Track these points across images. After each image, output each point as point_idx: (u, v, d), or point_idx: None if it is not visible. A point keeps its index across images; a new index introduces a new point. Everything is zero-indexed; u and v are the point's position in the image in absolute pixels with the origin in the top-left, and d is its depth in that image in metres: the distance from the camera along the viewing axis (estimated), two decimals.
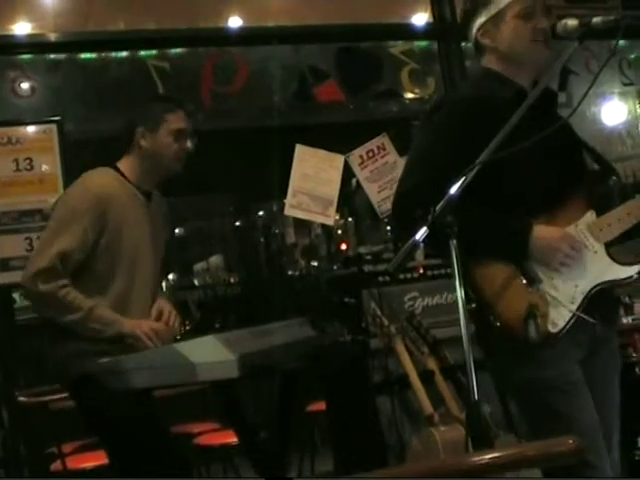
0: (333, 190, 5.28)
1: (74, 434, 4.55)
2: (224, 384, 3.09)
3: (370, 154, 5.42)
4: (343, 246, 7.10)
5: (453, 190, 2.50)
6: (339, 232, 7.20)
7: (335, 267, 6.25)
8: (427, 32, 7.05)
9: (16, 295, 5.41)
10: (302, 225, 8.47)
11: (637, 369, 4.63)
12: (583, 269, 2.84)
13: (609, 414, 2.98)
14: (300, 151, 5.31)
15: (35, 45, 6.22)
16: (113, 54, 6.54)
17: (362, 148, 5.42)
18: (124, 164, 3.75)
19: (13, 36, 6.21)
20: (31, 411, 4.67)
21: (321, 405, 5.33)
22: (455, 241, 2.46)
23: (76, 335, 3.50)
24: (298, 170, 5.27)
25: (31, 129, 5.67)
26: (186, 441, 4.79)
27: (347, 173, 5.44)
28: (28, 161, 5.58)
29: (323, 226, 6.96)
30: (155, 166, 3.75)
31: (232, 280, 9.54)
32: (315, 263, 8.14)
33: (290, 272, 8.81)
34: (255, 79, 6.93)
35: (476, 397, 2.41)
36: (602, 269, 2.85)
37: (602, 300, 2.85)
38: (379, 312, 4.90)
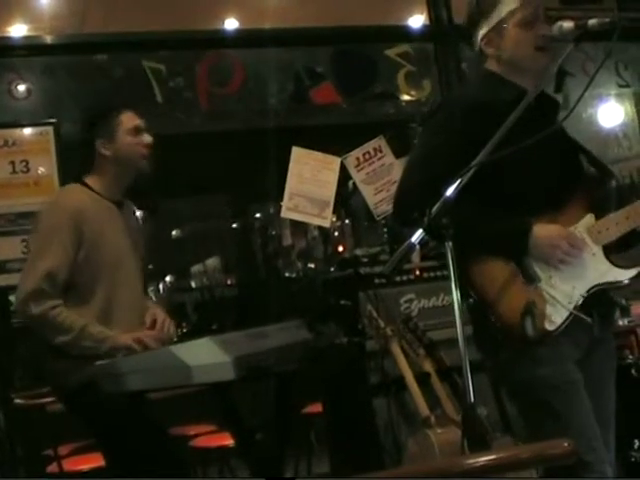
0: (329, 192, 5.28)
1: (70, 436, 4.55)
2: (220, 386, 3.08)
3: (367, 156, 5.42)
4: (340, 248, 7.10)
5: (449, 192, 2.51)
6: (336, 234, 7.20)
7: (331, 269, 6.24)
8: (423, 34, 7.06)
9: (12, 297, 5.40)
10: (299, 227, 8.48)
11: (633, 370, 4.64)
12: (581, 270, 2.86)
13: (604, 414, 2.99)
14: (296, 153, 5.31)
15: (31, 47, 6.22)
16: (109, 56, 6.54)
17: (359, 150, 5.41)
18: (91, 179, 3.79)
19: (9, 38, 6.22)
20: (27, 413, 4.67)
21: (318, 407, 5.34)
22: (451, 243, 2.46)
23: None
24: (294, 172, 5.27)
25: (27, 131, 5.68)
26: (182, 443, 4.78)
27: (343, 175, 5.44)
28: (24, 163, 5.58)
29: (320, 228, 6.96)
30: (123, 170, 3.80)
31: (229, 282, 9.55)
32: (312, 265, 8.15)
33: (287, 274, 8.81)
34: (251, 81, 6.94)
35: (472, 399, 2.41)
36: (600, 271, 2.87)
37: (599, 301, 2.87)
38: (375, 314, 4.90)
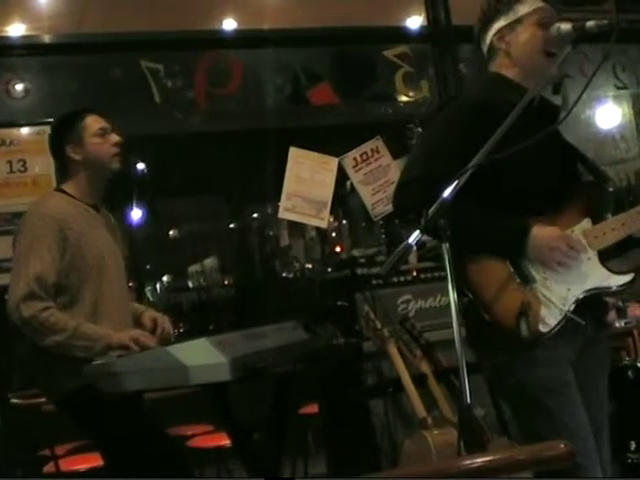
0: (327, 193, 5.28)
1: (67, 436, 4.55)
2: (217, 387, 3.08)
3: (364, 157, 5.42)
4: (337, 249, 7.10)
5: (446, 193, 2.51)
6: (333, 235, 7.20)
7: (329, 270, 6.25)
8: (421, 35, 7.07)
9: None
10: (296, 228, 8.48)
11: (630, 372, 4.64)
12: (577, 273, 2.87)
13: (598, 414, 2.99)
14: (294, 154, 5.31)
15: (29, 47, 6.23)
16: (107, 56, 6.54)
17: (356, 151, 5.42)
18: (67, 185, 3.82)
19: (7, 38, 6.22)
20: (24, 413, 4.67)
21: (314, 408, 5.34)
22: (447, 244, 2.47)
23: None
24: (292, 173, 5.27)
25: (25, 131, 5.69)
26: (179, 443, 4.78)
27: (341, 176, 5.44)
28: (22, 163, 5.59)
29: (317, 229, 6.96)
30: (95, 173, 3.82)
31: (226, 282, 9.55)
32: (309, 266, 8.15)
33: (284, 274, 8.82)
34: (249, 81, 6.94)
35: (469, 400, 2.41)
36: (594, 276, 2.88)
37: (593, 302, 2.88)
38: (372, 315, 4.90)
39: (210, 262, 10.18)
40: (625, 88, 7.89)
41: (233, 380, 2.89)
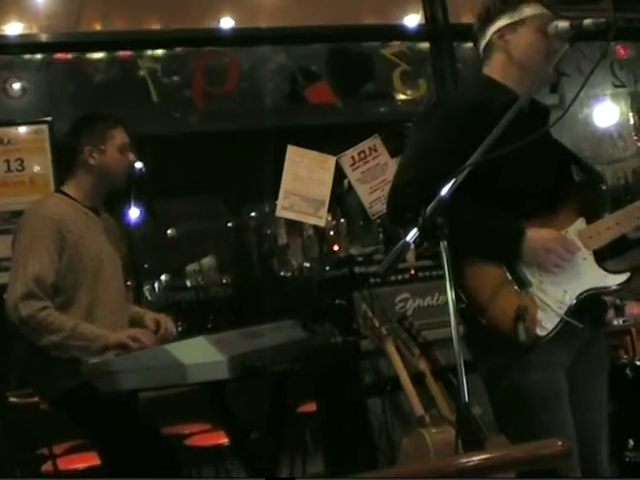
0: (325, 191, 5.28)
1: (65, 435, 4.54)
2: (215, 385, 3.08)
3: (362, 155, 5.41)
4: (335, 247, 7.10)
5: (443, 192, 2.51)
6: (331, 233, 7.19)
7: (327, 268, 6.24)
8: (419, 34, 7.07)
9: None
10: (294, 226, 8.47)
11: (628, 370, 4.64)
12: (572, 275, 2.86)
13: (596, 414, 2.99)
14: (292, 152, 5.31)
15: (26, 45, 6.23)
16: (104, 55, 6.54)
17: (354, 149, 5.41)
18: (70, 186, 3.84)
19: (4, 36, 6.21)
20: (22, 412, 4.66)
21: (312, 406, 5.34)
22: (445, 243, 2.46)
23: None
24: (290, 171, 5.27)
25: (22, 130, 5.68)
26: (177, 442, 4.78)
27: (339, 174, 5.44)
28: (19, 162, 5.59)
29: (315, 227, 6.95)
30: (104, 181, 3.84)
31: (224, 281, 9.54)
32: (307, 264, 8.14)
33: (282, 273, 8.80)
34: (247, 80, 6.94)
35: (467, 398, 2.41)
36: (590, 276, 2.87)
37: (591, 302, 2.87)
38: (370, 313, 4.90)
39: (208, 261, 10.17)
40: (623, 86, 7.89)
41: (231, 378, 2.89)
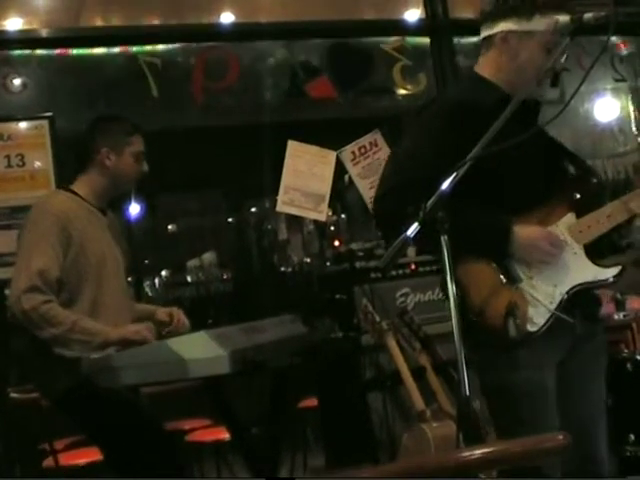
0: (325, 186, 5.27)
1: (67, 430, 4.54)
2: (215, 380, 3.08)
3: (362, 150, 5.41)
4: (336, 242, 7.10)
5: (444, 186, 2.50)
6: (331, 228, 7.19)
7: (327, 263, 6.24)
8: (419, 28, 7.06)
9: (8, 292, 5.39)
10: (294, 221, 8.47)
11: (629, 365, 4.64)
12: (563, 270, 2.85)
13: (593, 410, 2.98)
14: (292, 147, 5.30)
15: (27, 41, 6.22)
16: (104, 50, 6.54)
17: (354, 144, 5.40)
18: (79, 184, 3.84)
19: (4, 32, 6.20)
20: (23, 407, 4.66)
21: (313, 401, 5.35)
22: (446, 237, 2.46)
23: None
24: (290, 166, 5.26)
25: (23, 125, 5.67)
26: (178, 438, 4.78)
27: (339, 169, 5.44)
28: (20, 157, 5.58)
29: (315, 222, 6.95)
30: (114, 185, 3.86)
31: (225, 276, 9.53)
32: (307, 259, 8.14)
33: (282, 268, 8.80)
34: (247, 75, 6.93)
35: (467, 393, 2.41)
36: (581, 270, 2.86)
37: (583, 297, 2.86)
38: (371, 308, 4.90)
39: (209, 257, 10.16)
40: (623, 81, 7.88)
41: (232, 373, 2.89)
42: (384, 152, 5.41)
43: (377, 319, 4.81)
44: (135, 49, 6.59)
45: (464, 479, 1.66)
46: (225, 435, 4.60)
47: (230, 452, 4.97)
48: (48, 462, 4.53)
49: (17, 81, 6.18)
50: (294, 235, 8.54)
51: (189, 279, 9.69)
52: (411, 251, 5.40)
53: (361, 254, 5.54)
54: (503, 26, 2.97)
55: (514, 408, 2.83)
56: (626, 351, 5.03)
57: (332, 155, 5.35)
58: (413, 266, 5.44)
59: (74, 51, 6.44)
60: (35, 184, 5.52)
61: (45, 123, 5.65)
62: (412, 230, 2.47)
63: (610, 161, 7.68)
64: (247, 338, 3.12)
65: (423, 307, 5.35)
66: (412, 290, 5.40)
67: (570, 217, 2.90)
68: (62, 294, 3.60)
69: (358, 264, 5.45)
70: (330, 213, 6.31)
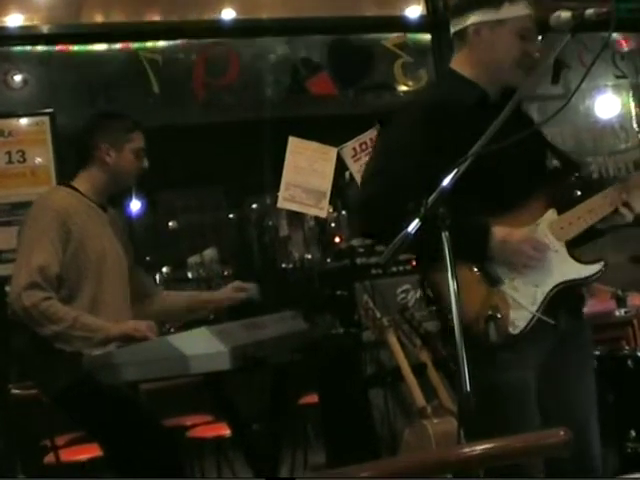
0: (326, 183, 5.28)
1: (68, 426, 4.55)
2: (216, 376, 3.09)
3: (363, 147, 5.41)
4: (337, 239, 7.10)
5: (445, 182, 2.49)
6: (332, 225, 7.19)
7: (328, 260, 6.24)
8: (420, 25, 7.07)
9: (8, 288, 5.39)
10: (295, 218, 8.47)
11: (630, 362, 4.63)
12: (544, 269, 2.81)
13: (582, 407, 2.95)
14: (293, 144, 5.30)
15: (27, 37, 6.23)
16: (105, 46, 6.54)
17: (355, 141, 5.40)
18: (79, 180, 3.83)
19: (5, 28, 6.20)
20: (24, 403, 4.67)
21: (314, 397, 5.35)
22: (447, 233, 2.44)
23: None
24: (291, 163, 5.26)
25: (23, 121, 5.69)
26: (179, 434, 4.79)
27: (340, 166, 5.43)
28: (20, 153, 5.59)
29: (316, 219, 6.95)
30: (115, 181, 3.85)
31: (226, 273, 9.53)
32: (308, 256, 8.14)
33: (283, 265, 8.80)
34: (248, 71, 6.94)
35: (468, 389, 2.40)
36: (563, 268, 2.83)
37: (566, 295, 2.83)
38: (372, 304, 4.90)
39: (209, 253, 10.15)
40: (624, 77, 7.88)
41: (233, 369, 2.89)
42: None
43: (378, 315, 4.81)
44: (136, 45, 6.59)
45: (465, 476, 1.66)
46: (226, 431, 4.60)
47: (231, 449, 4.97)
48: (49, 458, 4.54)
49: (18, 77, 6.19)
50: (295, 231, 8.54)
51: (190, 275, 9.68)
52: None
53: (362, 250, 5.53)
54: (473, 19, 2.93)
55: (496, 408, 2.80)
56: (627, 348, 5.02)
57: (333, 151, 5.35)
58: (414, 262, 5.43)
59: (75, 47, 6.45)
60: (36, 180, 5.53)
61: (46, 119, 5.66)
62: (413, 227, 2.45)
63: (611, 158, 7.67)
64: (248, 334, 3.12)
65: (424, 303, 5.34)
66: (413, 286, 5.39)
67: (552, 213, 2.86)
68: (62, 290, 3.59)
69: (359, 260, 5.45)
70: (331, 209, 6.30)
